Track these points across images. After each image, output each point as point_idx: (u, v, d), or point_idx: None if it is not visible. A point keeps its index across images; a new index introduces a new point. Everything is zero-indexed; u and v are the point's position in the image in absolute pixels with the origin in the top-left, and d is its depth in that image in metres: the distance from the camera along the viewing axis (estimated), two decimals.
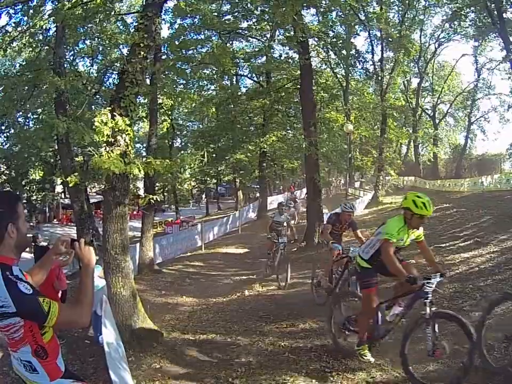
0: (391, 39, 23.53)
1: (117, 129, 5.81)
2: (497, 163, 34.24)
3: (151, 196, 7.54)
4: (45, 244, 14.20)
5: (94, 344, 6.20)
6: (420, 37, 32.23)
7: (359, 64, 23.90)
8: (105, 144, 5.88)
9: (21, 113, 18.35)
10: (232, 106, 24.95)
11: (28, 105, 16.84)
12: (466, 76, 76.87)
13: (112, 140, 5.85)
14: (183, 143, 34.98)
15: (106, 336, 4.18)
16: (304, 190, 33.99)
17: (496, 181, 23.41)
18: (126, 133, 5.96)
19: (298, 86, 17.17)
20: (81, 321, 2.17)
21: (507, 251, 8.82)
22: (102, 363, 5.19)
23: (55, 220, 31.83)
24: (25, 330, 2.00)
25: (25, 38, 13.02)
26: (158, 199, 8.44)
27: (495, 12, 20.58)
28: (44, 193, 29.84)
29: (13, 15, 11.26)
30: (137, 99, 6.57)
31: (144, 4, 7.28)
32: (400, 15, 27.35)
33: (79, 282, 2.24)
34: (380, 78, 26.47)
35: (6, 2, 10.83)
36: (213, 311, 8.20)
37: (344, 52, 21.65)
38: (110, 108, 5.97)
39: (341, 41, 20.37)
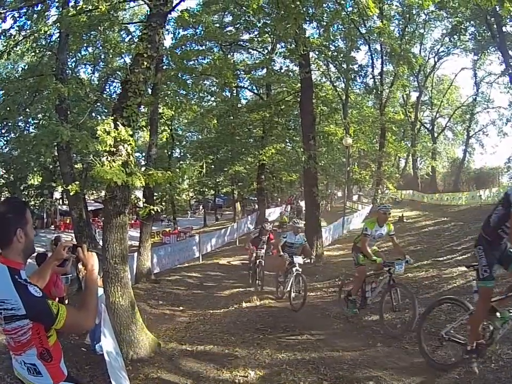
0: (393, 53, 23.71)
1: (119, 139, 5.83)
2: (495, 176, 34.44)
3: (151, 207, 7.50)
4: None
5: (90, 352, 6.18)
6: (420, 51, 32.79)
7: (359, 78, 24.03)
8: (107, 154, 5.89)
9: (21, 118, 18.42)
10: (232, 118, 24.89)
11: (28, 110, 16.90)
12: (465, 90, 77.67)
13: (114, 149, 5.87)
14: (182, 154, 35.01)
15: (106, 345, 4.17)
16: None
17: (494, 194, 23.42)
18: (128, 143, 5.99)
19: (298, 99, 17.24)
20: (86, 324, 2.25)
21: None
22: (99, 371, 5.19)
23: (52, 226, 31.64)
24: (33, 332, 2.05)
25: (29, 43, 13.09)
26: (158, 210, 8.40)
27: (495, 26, 20.85)
28: (42, 198, 29.72)
29: (17, 19, 11.32)
30: (139, 109, 6.60)
31: (148, 14, 7.37)
32: (400, 29, 27.71)
33: (84, 287, 2.31)
34: (379, 92, 26.66)
35: (12, 5, 10.92)
36: (210, 322, 8.16)
37: (344, 65, 21.79)
38: (112, 117, 6.00)
39: (341, 55, 20.47)
